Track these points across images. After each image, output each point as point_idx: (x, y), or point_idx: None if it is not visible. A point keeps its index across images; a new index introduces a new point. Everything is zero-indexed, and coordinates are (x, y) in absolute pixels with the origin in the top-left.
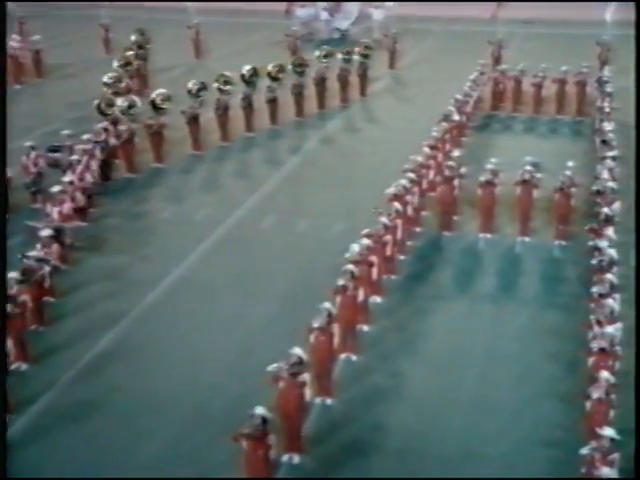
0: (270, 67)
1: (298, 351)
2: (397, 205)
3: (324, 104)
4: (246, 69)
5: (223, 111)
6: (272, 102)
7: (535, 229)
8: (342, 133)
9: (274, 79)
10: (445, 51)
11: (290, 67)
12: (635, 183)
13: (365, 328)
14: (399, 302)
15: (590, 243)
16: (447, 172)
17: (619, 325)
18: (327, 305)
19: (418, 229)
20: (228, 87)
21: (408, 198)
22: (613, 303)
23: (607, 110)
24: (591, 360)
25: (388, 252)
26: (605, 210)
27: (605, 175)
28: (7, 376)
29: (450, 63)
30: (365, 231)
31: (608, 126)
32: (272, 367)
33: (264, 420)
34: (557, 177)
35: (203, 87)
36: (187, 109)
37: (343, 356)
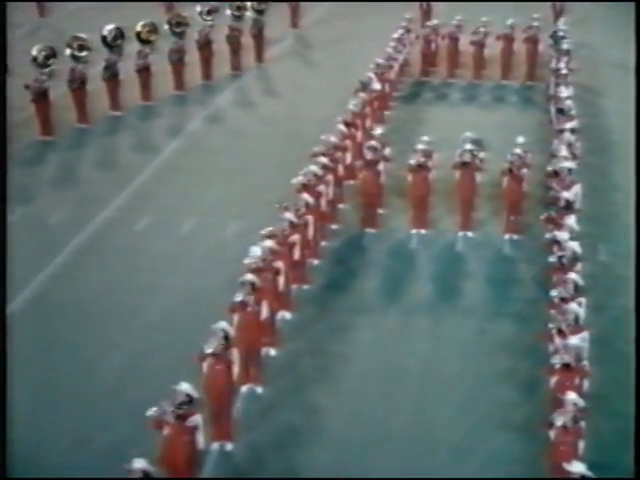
0: (139, 27)
1: (186, 386)
2: (307, 197)
3: (210, 73)
4: (108, 29)
5: (79, 84)
6: (143, 71)
7: (480, 221)
8: (234, 109)
9: (145, 42)
10: (362, 4)
11: (166, 27)
12: (635, 183)
13: (272, 352)
14: (313, 318)
15: (547, 236)
16: (368, 155)
17: (585, 335)
18: (223, 325)
19: (334, 226)
20: (85, 53)
21: (321, 188)
22: (577, 308)
23: (564, 72)
24: (553, 379)
25: (297, 256)
26: (564, 195)
27: (563, 152)
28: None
29: (368, 19)
30: (267, 230)
31: (565, 92)
32: (153, 410)
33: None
34: (505, 156)
35: (52, 54)
36: (32, 83)
37: (245, 388)
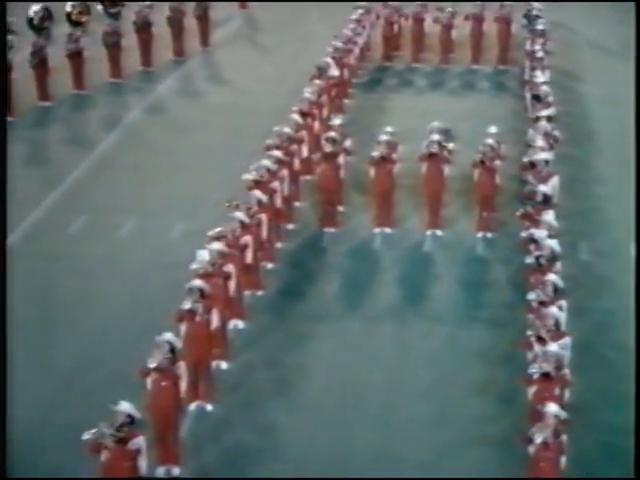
0: (70, 7)
1: (126, 406)
2: (259, 195)
3: (150, 59)
4: (34, 10)
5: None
6: (75, 57)
7: (449, 218)
8: (177, 99)
9: (76, 24)
10: None
11: (99, 7)
12: (635, 182)
13: (223, 365)
14: (268, 327)
15: (524, 234)
16: (327, 147)
17: (567, 341)
18: (168, 337)
19: (290, 226)
20: (9, 37)
21: (274, 185)
22: (557, 312)
23: (539, 55)
24: (532, 390)
25: (249, 259)
26: (542, 189)
27: (540, 142)
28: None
29: None
30: (215, 232)
31: (541, 76)
32: (90, 433)
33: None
34: (476, 147)
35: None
36: None
37: (194, 406)
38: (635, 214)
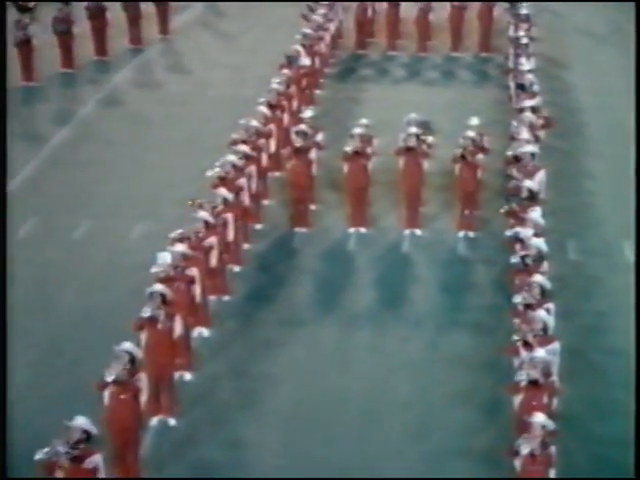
0: None
1: (82, 421)
2: (225, 192)
3: (105, 47)
4: None
5: None
6: (23, 46)
7: (429, 217)
8: (134, 90)
9: (24, 10)
10: None
11: None
12: (635, 182)
13: (187, 376)
14: (236, 334)
15: (508, 232)
16: (297, 141)
17: (555, 346)
18: (127, 346)
19: (258, 226)
20: None
21: (241, 182)
22: (545, 316)
23: (524, 42)
24: (518, 399)
25: (214, 262)
26: (527, 184)
27: (524, 135)
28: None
29: None
30: (178, 233)
31: (526, 64)
32: (43, 452)
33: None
34: (456, 141)
35: None
36: None
37: (155, 420)
38: (635, 211)
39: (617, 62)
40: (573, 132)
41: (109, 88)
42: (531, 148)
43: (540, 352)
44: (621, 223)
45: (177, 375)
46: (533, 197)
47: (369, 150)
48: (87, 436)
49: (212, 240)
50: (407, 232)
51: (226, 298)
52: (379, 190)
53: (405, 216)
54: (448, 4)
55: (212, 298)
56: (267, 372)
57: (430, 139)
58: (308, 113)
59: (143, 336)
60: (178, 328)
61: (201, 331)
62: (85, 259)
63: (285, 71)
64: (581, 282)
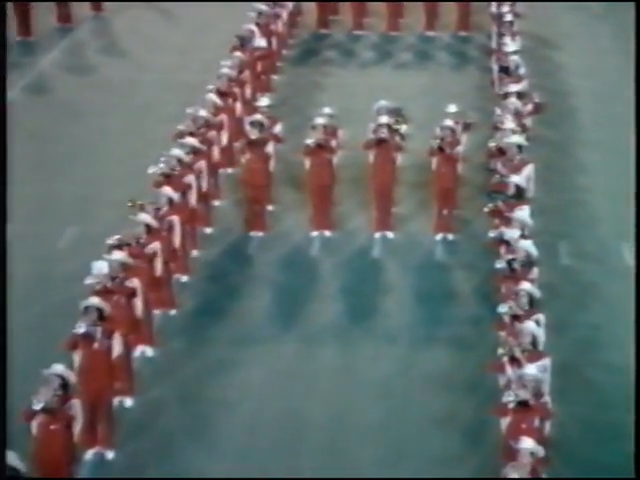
0: None
1: (11, 456)
2: (170, 192)
3: (29, 26)
4: None
5: None
6: None
7: (402, 217)
8: (64, 75)
9: None
10: None
11: None
12: (635, 182)
13: (127, 402)
14: (183, 354)
15: (492, 234)
16: (252, 133)
17: (546, 362)
18: (59, 369)
19: (209, 230)
20: None
21: (188, 179)
22: (535, 328)
23: (508, 19)
24: (505, 422)
25: (159, 271)
26: (513, 179)
27: (509, 124)
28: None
29: None
30: (116, 238)
31: (511, 45)
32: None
33: None
34: (433, 131)
35: None
36: None
37: (91, 453)
38: (635, 210)
39: (612, 40)
40: (564, 120)
41: (34, 73)
42: (517, 139)
43: (529, 369)
44: (619, 223)
45: (116, 401)
46: (520, 194)
47: (334, 143)
48: (16, 474)
49: (155, 246)
50: (378, 235)
51: (172, 312)
52: (346, 188)
53: (375, 217)
54: None
55: (156, 313)
56: (219, 396)
57: (403, 129)
58: (264, 101)
59: (76, 356)
60: (117, 347)
61: (144, 350)
62: (8, 268)
63: (237, 54)
64: (575, 290)
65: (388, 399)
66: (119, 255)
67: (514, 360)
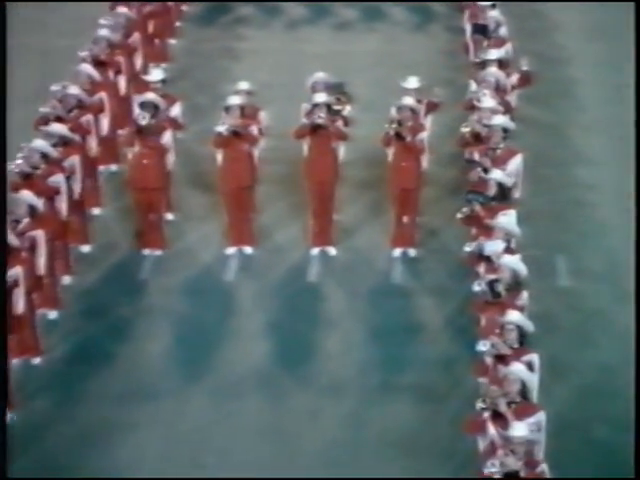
0: None
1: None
2: (31, 197)
3: None
4: None
5: None
6: None
7: (347, 227)
8: None
9: None
10: None
11: None
12: (635, 182)
13: None
14: (51, 416)
15: (468, 248)
16: (142, 118)
17: (540, 417)
18: None
19: (86, 247)
20: None
21: (57, 181)
22: (525, 373)
23: None
24: None
25: (20, 306)
26: (495, 176)
27: (487, 102)
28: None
29: None
30: None
31: None
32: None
33: None
34: (386, 113)
35: None
36: None
37: None
38: (636, 217)
39: None
40: (559, 94)
41: None
42: (500, 120)
43: (518, 428)
44: (631, 231)
45: None
46: (504, 194)
47: (254, 130)
48: None
49: (14, 272)
50: (315, 251)
51: (36, 361)
52: (271, 189)
53: (312, 227)
54: None
55: (14, 362)
56: (102, 469)
57: (347, 110)
58: (158, 74)
59: None
60: None
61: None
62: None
63: (121, 9)
64: (577, 320)
65: (330, 468)
66: None
67: (498, 416)
